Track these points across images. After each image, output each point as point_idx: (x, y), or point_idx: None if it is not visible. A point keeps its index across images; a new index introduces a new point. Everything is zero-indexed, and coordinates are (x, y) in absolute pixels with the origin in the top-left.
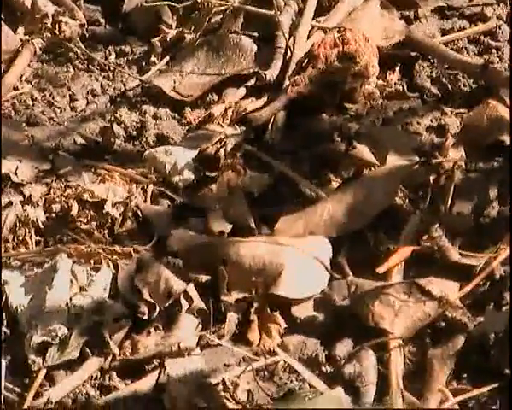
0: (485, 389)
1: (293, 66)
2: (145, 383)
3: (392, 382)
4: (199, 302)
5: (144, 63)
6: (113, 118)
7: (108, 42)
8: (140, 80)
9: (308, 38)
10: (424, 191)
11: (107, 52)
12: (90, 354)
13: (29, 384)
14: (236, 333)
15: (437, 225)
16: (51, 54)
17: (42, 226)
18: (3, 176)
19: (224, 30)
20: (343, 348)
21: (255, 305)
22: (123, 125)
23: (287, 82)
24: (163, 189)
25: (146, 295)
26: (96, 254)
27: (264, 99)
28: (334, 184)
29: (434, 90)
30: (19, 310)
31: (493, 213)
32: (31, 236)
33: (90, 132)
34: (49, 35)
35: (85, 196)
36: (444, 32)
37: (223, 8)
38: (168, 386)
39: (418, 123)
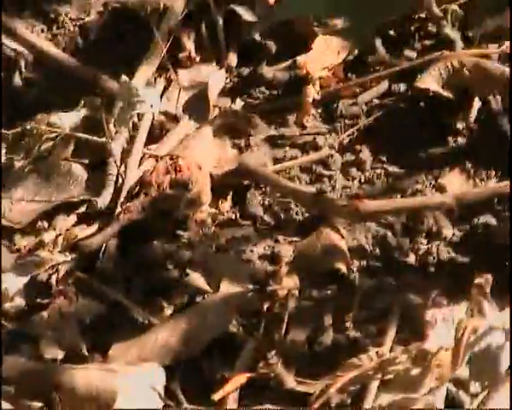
0: None
1: (125, 193)
2: None
3: None
4: None
5: None
6: None
7: None
8: None
9: (140, 165)
10: (259, 319)
11: None
12: None
13: None
14: None
15: (272, 353)
16: None
17: None
18: None
19: (54, 157)
20: None
21: None
22: None
23: (119, 209)
24: None
25: None
26: None
27: (96, 226)
28: (168, 312)
29: (267, 218)
30: None
31: (327, 340)
32: None
33: None
34: None
35: None
36: (276, 161)
37: (53, 135)
38: None
39: (251, 251)
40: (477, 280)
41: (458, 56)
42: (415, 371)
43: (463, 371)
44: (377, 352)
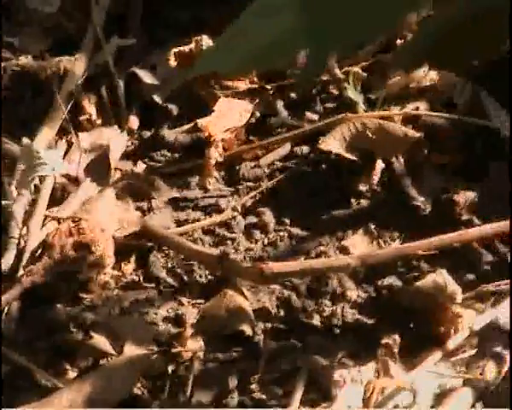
0: None
1: (27, 255)
2: None
3: None
4: None
5: None
6: None
7: None
8: None
9: (42, 227)
10: (163, 381)
11: None
12: None
13: None
14: None
15: None
16: None
17: None
18: None
19: None
20: None
21: None
22: None
23: (21, 272)
24: None
25: None
26: None
27: None
28: (72, 375)
29: (170, 280)
30: None
31: (233, 402)
32: None
33: None
34: None
35: None
36: (179, 223)
37: None
38: None
39: (155, 313)
40: (384, 341)
41: (361, 119)
42: None
43: None
44: None
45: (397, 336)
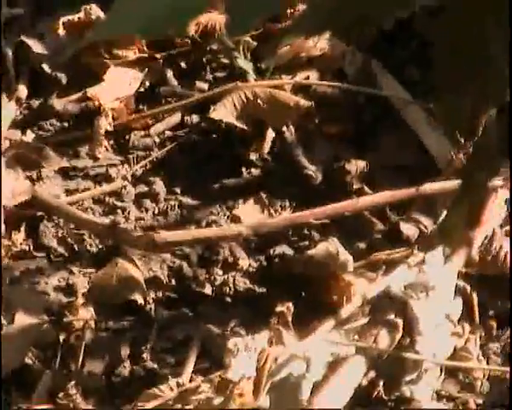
0: None
1: None
2: None
3: None
4: None
5: None
6: None
7: None
8: None
9: None
10: (55, 350)
11: None
12: None
13: None
14: None
15: (71, 383)
16: None
17: None
18: None
19: None
20: None
21: None
22: None
23: None
24: None
25: None
26: None
27: None
28: None
29: (61, 249)
30: None
31: (125, 372)
32: None
33: None
34: None
35: None
36: (68, 193)
37: None
38: None
39: (46, 283)
40: (277, 309)
41: (252, 88)
42: (217, 401)
43: (264, 401)
44: (177, 382)
45: (290, 305)
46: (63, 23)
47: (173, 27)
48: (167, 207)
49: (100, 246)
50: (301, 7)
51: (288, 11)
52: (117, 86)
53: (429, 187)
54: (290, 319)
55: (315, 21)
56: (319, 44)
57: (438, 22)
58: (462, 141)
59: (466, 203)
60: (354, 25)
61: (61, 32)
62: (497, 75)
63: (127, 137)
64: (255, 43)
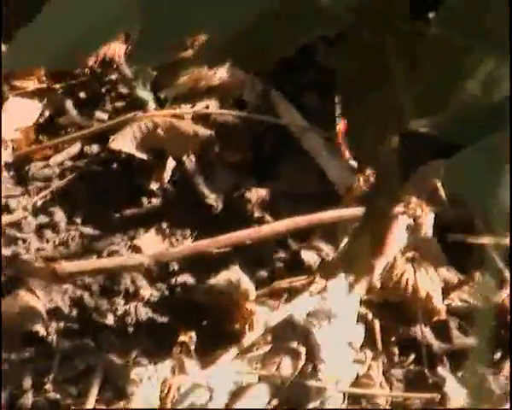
0: None
1: None
2: None
3: None
4: None
5: None
6: None
7: None
8: None
9: None
10: None
11: None
12: None
13: None
14: None
15: None
16: None
17: None
18: None
19: None
20: None
21: None
22: None
23: None
24: None
25: None
26: None
27: None
28: None
29: None
30: None
31: (28, 403)
32: None
33: None
34: None
35: None
36: None
37: None
38: None
39: None
40: (180, 338)
41: (152, 117)
42: None
43: None
44: None
45: (192, 334)
46: None
47: (75, 60)
48: (68, 238)
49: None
50: (202, 37)
51: (188, 40)
52: (16, 117)
53: (330, 214)
54: (193, 348)
55: (216, 51)
56: (218, 73)
57: (340, 50)
58: (365, 167)
59: (368, 230)
60: (255, 54)
61: None
62: (397, 103)
63: (27, 168)
64: (154, 73)
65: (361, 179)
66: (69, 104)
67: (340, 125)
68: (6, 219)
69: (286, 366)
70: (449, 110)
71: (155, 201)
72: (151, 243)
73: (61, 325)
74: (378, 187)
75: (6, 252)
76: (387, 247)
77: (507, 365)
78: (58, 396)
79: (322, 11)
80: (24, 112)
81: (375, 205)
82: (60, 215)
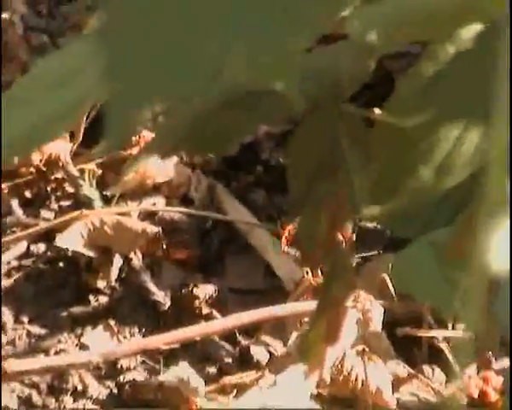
0: None
1: None
2: None
3: None
4: None
5: None
6: None
7: None
8: None
9: None
10: None
11: None
12: None
13: None
14: None
15: None
16: None
17: None
18: None
19: None
20: None
21: None
22: None
23: None
24: None
25: None
26: None
27: None
28: None
29: None
30: None
31: None
32: None
33: None
34: None
35: None
36: None
37: None
38: None
39: None
40: None
41: (98, 215)
42: None
43: None
44: None
45: None
46: None
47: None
48: (15, 337)
49: None
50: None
51: (133, 139)
52: None
53: (278, 310)
54: None
55: (168, 141)
56: (164, 171)
57: (289, 143)
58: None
59: (323, 319)
60: (211, 141)
61: None
62: (350, 190)
63: None
64: (100, 171)
65: (308, 274)
66: (15, 203)
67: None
68: None
69: None
70: (400, 197)
71: (102, 298)
72: (99, 341)
73: None
74: (334, 276)
75: None
76: (341, 337)
77: None
78: None
79: (279, 97)
80: None
81: (330, 294)
82: (6, 314)
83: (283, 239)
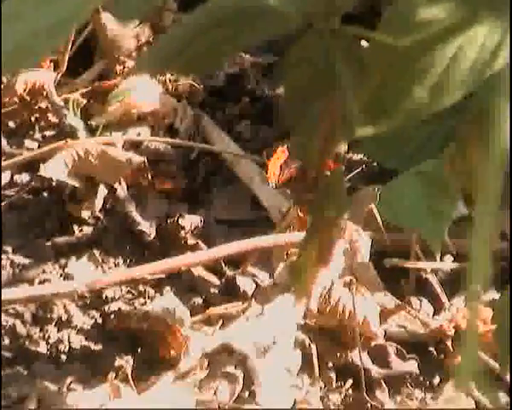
0: None
1: None
2: None
3: None
4: None
5: None
6: None
7: None
8: None
9: None
10: None
11: None
12: None
13: None
14: None
15: None
16: None
17: None
18: None
19: None
20: None
21: None
22: None
23: None
24: None
25: None
26: None
27: None
28: None
29: None
30: None
31: None
32: None
33: None
34: None
35: None
36: None
37: None
38: None
39: None
40: (115, 365)
41: (83, 145)
42: None
43: None
44: None
45: (129, 360)
46: None
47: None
48: None
49: None
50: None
51: (118, 68)
52: None
53: (264, 240)
54: (129, 374)
55: (157, 61)
56: (150, 101)
57: (283, 64)
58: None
59: (315, 241)
60: (201, 59)
61: None
62: (344, 110)
63: None
64: (85, 101)
65: (295, 206)
66: None
67: (274, 151)
68: None
69: (223, 391)
70: (395, 117)
71: (87, 229)
72: (83, 271)
73: None
74: (325, 198)
75: None
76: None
77: (445, 389)
78: None
79: (271, 13)
80: None
81: (322, 216)
82: None
83: (269, 170)
